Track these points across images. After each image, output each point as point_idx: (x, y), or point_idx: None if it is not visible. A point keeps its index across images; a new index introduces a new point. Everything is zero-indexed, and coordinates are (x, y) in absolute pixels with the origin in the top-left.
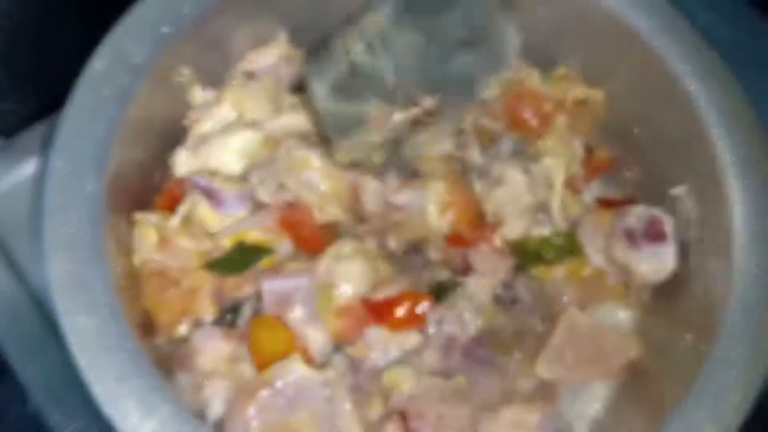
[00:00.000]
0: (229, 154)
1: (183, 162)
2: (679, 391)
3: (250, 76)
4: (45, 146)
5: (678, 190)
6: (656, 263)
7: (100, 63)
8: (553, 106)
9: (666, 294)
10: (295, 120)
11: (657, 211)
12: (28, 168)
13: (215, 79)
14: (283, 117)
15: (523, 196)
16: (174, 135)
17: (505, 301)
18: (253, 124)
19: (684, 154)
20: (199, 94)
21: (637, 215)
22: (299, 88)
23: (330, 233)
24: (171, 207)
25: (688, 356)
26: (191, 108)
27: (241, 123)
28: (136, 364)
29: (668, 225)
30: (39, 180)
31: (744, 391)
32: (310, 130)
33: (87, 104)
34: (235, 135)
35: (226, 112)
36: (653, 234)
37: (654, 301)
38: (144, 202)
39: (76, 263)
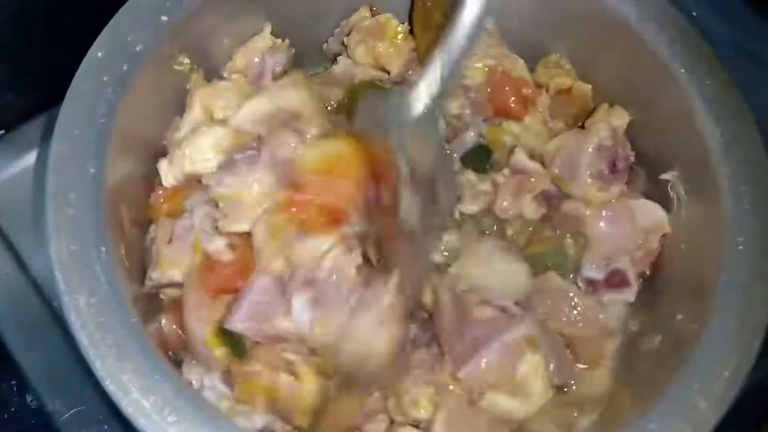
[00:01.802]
0: (202, 153)
1: (165, 172)
2: (672, 367)
3: (242, 72)
4: (45, 137)
5: (668, 175)
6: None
7: (100, 50)
8: (534, 90)
9: (657, 277)
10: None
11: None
12: (28, 159)
13: (210, 72)
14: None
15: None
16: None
17: None
18: (223, 121)
19: (673, 139)
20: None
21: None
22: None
23: None
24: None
25: (681, 334)
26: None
27: (211, 122)
28: (137, 342)
29: (630, 274)
30: (41, 165)
31: (736, 366)
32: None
33: (88, 90)
34: (205, 134)
35: (197, 114)
36: (615, 283)
37: (646, 284)
38: (149, 187)
39: (79, 244)
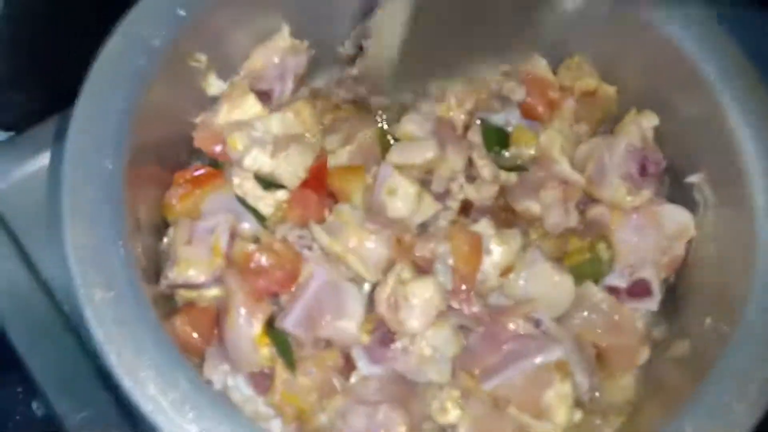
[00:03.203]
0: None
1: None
2: (703, 371)
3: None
4: (57, 139)
5: (694, 178)
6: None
7: (116, 44)
8: (560, 94)
9: (683, 282)
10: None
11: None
12: (40, 161)
13: (226, 71)
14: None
15: None
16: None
17: None
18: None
19: (700, 141)
20: (214, 83)
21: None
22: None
23: None
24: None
25: (711, 338)
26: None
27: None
28: (154, 337)
29: (654, 283)
30: (54, 167)
31: None
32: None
33: (104, 84)
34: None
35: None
36: (638, 292)
37: (669, 291)
38: (164, 187)
39: (95, 239)
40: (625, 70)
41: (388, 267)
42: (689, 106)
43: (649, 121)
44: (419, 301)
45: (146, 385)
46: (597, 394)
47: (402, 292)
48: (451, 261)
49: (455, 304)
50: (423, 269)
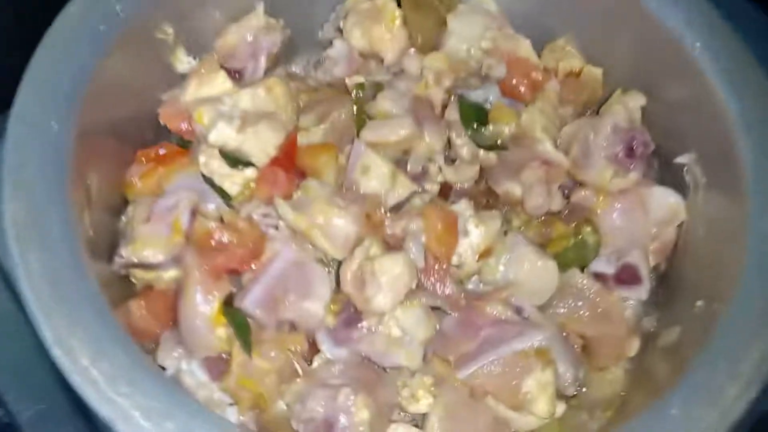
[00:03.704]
0: None
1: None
2: (693, 354)
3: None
4: None
5: (684, 158)
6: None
7: (77, 6)
8: (543, 75)
9: (674, 269)
10: None
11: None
12: None
13: (197, 48)
14: None
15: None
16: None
17: None
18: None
19: (689, 120)
20: (183, 59)
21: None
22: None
23: None
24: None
25: (702, 321)
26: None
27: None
28: (92, 306)
29: (643, 269)
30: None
31: (764, 347)
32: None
33: (60, 45)
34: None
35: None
36: (626, 279)
37: (660, 280)
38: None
39: (36, 201)
40: (611, 51)
41: (357, 245)
42: (679, 87)
43: (636, 100)
44: (387, 277)
45: (77, 356)
46: (584, 389)
47: (369, 267)
48: (423, 239)
49: (428, 285)
50: (393, 248)
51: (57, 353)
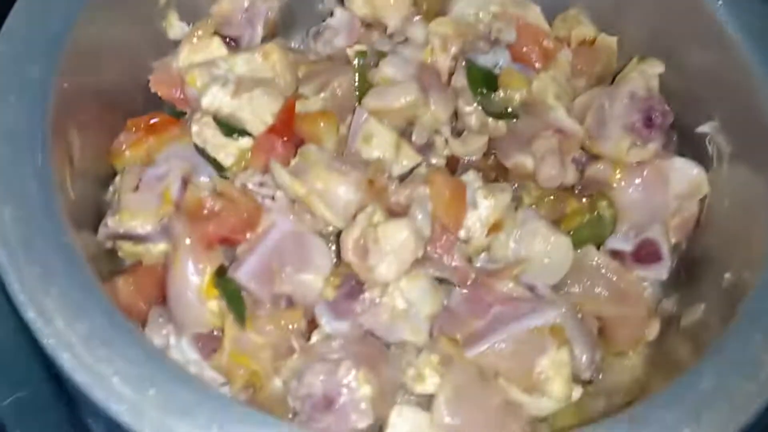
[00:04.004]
0: None
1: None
2: (721, 327)
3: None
4: None
5: (707, 127)
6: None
7: None
8: (555, 43)
9: (697, 245)
10: None
11: (651, 231)
12: None
13: (191, 14)
14: None
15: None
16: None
17: None
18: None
19: (710, 86)
20: (176, 25)
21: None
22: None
23: None
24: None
25: (731, 292)
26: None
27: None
28: (67, 263)
29: (663, 246)
30: None
31: None
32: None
33: None
34: None
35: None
36: (645, 256)
37: (683, 259)
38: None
39: (11, 149)
40: (626, 18)
41: (359, 213)
42: (699, 51)
43: (654, 68)
44: (391, 244)
45: (51, 317)
46: (601, 376)
47: (372, 234)
48: (430, 207)
49: (434, 255)
50: (398, 215)
51: (30, 315)
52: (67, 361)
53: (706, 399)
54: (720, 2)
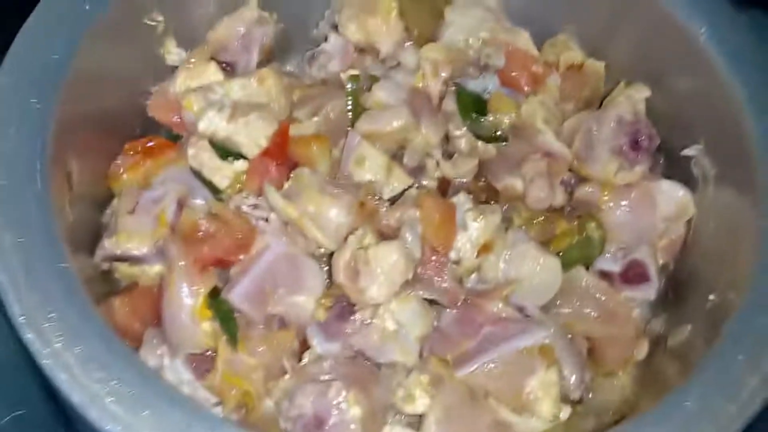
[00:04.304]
0: None
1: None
2: (707, 347)
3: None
4: None
5: (692, 150)
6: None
7: None
8: (544, 68)
9: (684, 266)
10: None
11: (639, 252)
12: None
13: (188, 41)
14: None
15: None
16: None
17: None
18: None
19: (697, 110)
20: (173, 51)
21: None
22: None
23: None
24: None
25: (716, 313)
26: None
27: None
28: (65, 287)
29: (651, 267)
30: None
31: None
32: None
33: (44, 25)
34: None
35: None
36: (633, 277)
37: (671, 280)
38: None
39: (12, 179)
40: (613, 44)
41: (350, 235)
42: (684, 77)
43: (641, 92)
44: (382, 266)
45: (49, 339)
46: (590, 395)
47: (363, 257)
48: (420, 229)
49: (424, 277)
50: (388, 237)
51: (29, 336)
52: (63, 381)
53: (692, 419)
54: (703, 29)
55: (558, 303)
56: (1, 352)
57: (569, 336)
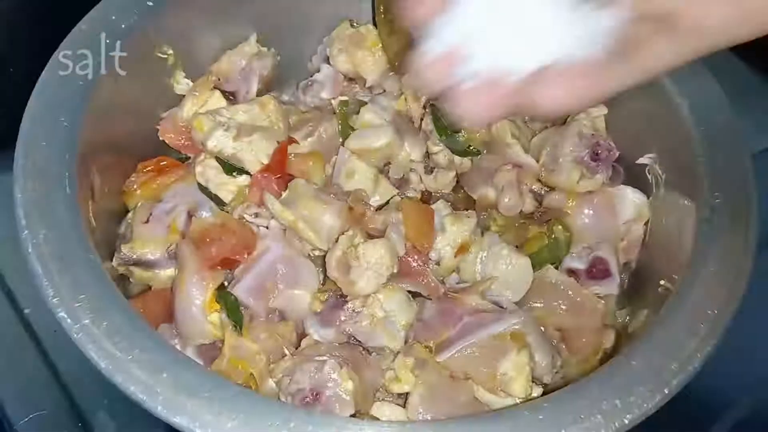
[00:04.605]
0: None
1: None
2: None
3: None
4: None
5: (645, 159)
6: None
7: (85, 25)
8: None
9: (643, 263)
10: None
11: (601, 250)
12: None
13: (194, 72)
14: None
15: None
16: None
17: None
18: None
19: (649, 124)
20: (182, 81)
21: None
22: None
23: None
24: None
25: (665, 295)
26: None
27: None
28: (93, 275)
29: (612, 263)
30: None
31: (723, 304)
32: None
33: (71, 50)
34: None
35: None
36: (597, 273)
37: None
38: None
39: (44, 184)
40: None
41: (341, 236)
42: (639, 99)
43: (599, 110)
44: (370, 261)
45: (79, 317)
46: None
47: (353, 253)
48: (403, 230)
49: (408, 271)
50: (376, 237)
51: (61, 314)
52: (92, 351)
53: (637, 375)
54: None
55: (531, 299)
56: (20, 357)
57: (542, 328)
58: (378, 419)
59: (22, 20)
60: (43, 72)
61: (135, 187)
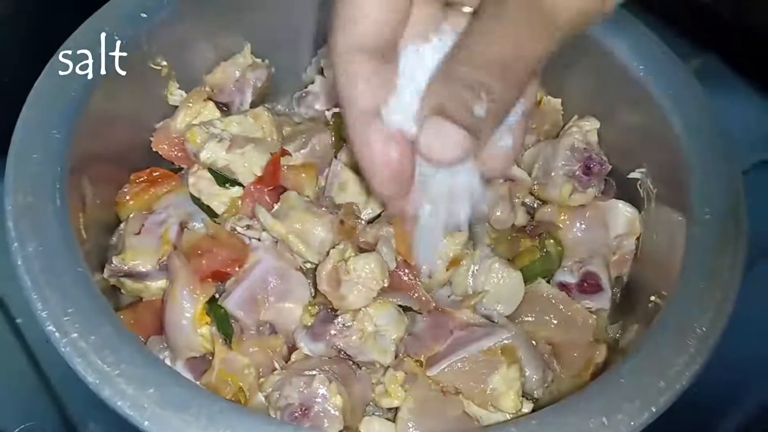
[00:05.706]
0: None
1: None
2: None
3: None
4: None
5: (637, 173)
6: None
7: (80, 36)
8: None
9: (635, 278)
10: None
11: (592, 264)
12: None
13: (188, 83)
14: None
15: None
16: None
17: None
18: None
19: (642, 140)
20: (176, 93)
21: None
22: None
23: None
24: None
25: (655, 311)
26: (167, 106)
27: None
28: (82, 288)
29: (603, 277)
30: None
31: (710, 322)
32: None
33: (62, 68)
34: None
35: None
36: (588, 288)
37: (626, 291)
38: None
39: (35, 196)
40: (568, 84)
41: (332, 249)
42: (631, 113)
43: (591, 124)
44: (360, 275)
45: (67, 330)
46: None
47: (344, 267)
48: (393, 244)
49: (399, 286)
50: (366, 251)
51: (50, 328)
52: (80, 365)
53: (625, 392)
54: (642, 67)
55: (522, 312)
56: (12, 366)
57: (533, 342)
58: None
59: (17, 30)
60: (36, 83)
61: (127, 197)
